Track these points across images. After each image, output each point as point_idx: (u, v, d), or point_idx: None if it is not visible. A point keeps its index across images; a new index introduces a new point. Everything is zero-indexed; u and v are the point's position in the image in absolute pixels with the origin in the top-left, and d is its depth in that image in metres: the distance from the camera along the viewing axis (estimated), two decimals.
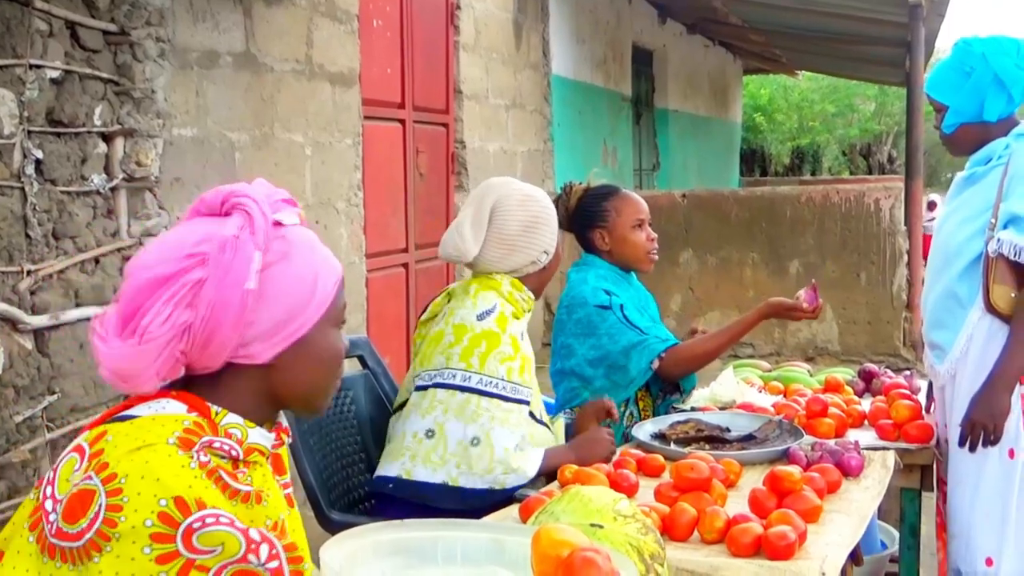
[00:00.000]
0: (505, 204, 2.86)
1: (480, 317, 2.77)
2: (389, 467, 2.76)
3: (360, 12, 5.53)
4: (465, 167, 7.07)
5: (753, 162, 24.41)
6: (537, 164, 8.55)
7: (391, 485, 2.75)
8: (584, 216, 3.47)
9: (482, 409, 2.69)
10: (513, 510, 2.42)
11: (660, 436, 2.95)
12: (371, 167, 5.75)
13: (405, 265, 6.29)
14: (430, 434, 2.72)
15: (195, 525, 1.35)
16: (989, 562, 2.98)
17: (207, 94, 4.28)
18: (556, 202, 3.49)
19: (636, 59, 11.49)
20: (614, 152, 10.52)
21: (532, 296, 2.93)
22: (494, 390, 2.71)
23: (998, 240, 2.93)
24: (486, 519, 2.37)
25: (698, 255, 8.42)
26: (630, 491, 2.46)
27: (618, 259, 3.46)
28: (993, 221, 2.98)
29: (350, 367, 3.39)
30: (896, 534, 3.52)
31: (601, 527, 1.83)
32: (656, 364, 3.28)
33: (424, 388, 2.77)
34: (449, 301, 2.88)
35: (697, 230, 8.36)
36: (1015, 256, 2.90)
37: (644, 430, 2.99)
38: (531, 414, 2.84)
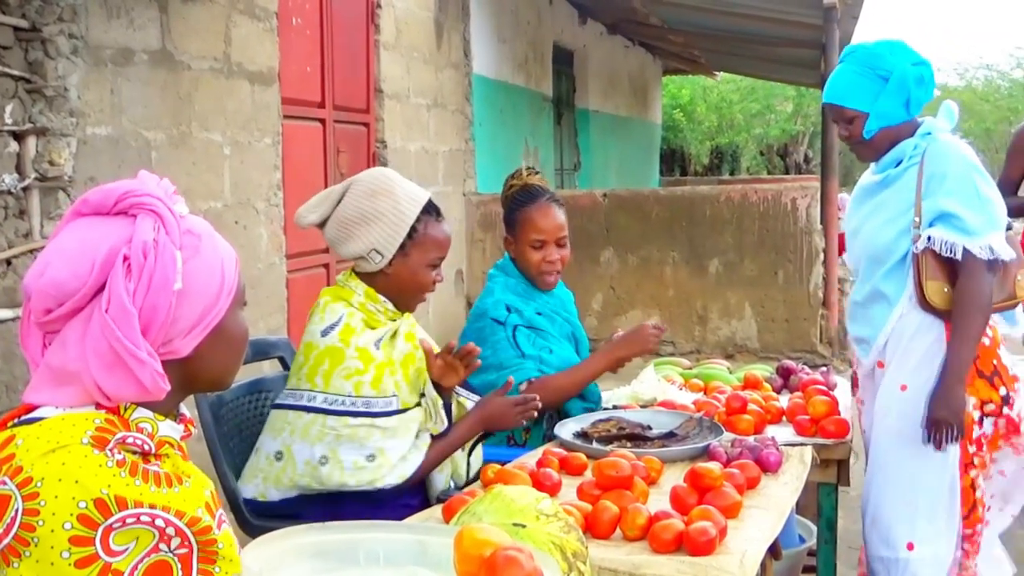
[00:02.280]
0: (356, 189, 2.76)
1: (324, 333, 2.70)
2: (246, 487, 2.75)
3: (279, 10, 5.48)
4: (386, 166, 7.02)
5: (673, 162, 24.63)
6: (459, 164, 8.54)
7: (249, 507, 2.74)
8: (505, 216, 3.46)
9: (328, 428, 2.64)
10: (436, 511, 2.41)
11: (582, 435, 2.96)
12: (291, 167, 5.70)
13: (326, 265, 6.24)
14: (279, 456, 2.70)
15: (115, 525, 1.33)
16: (910, 546, 3.06)
17: (122, 92, 4.21)
18: (504, 182, 3.48)
19: (557, 59, 11.54)
20: (535, 152, 10.55)
21: (391, 307, 2.79)
22: (340, 408, 2.64)
23: (927, 237, 3.00)
24: (408, 520, 2.37)
25: (619, 254, 8.47)
26: (552, 490, 2.47)
27: (521, 270, 3.43)
28: (917, 219, 3.05)
29: (271, 369, 3.36)
30: (814, 528, 3.57)
31: (524, 526, 1.83)
32: (524, 387, 3.26)
33: (277, 407, 2.74)
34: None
35: (618, 229, 8.42)
36: (948, 252, 2.97)
37: (566, 429, 3.00)
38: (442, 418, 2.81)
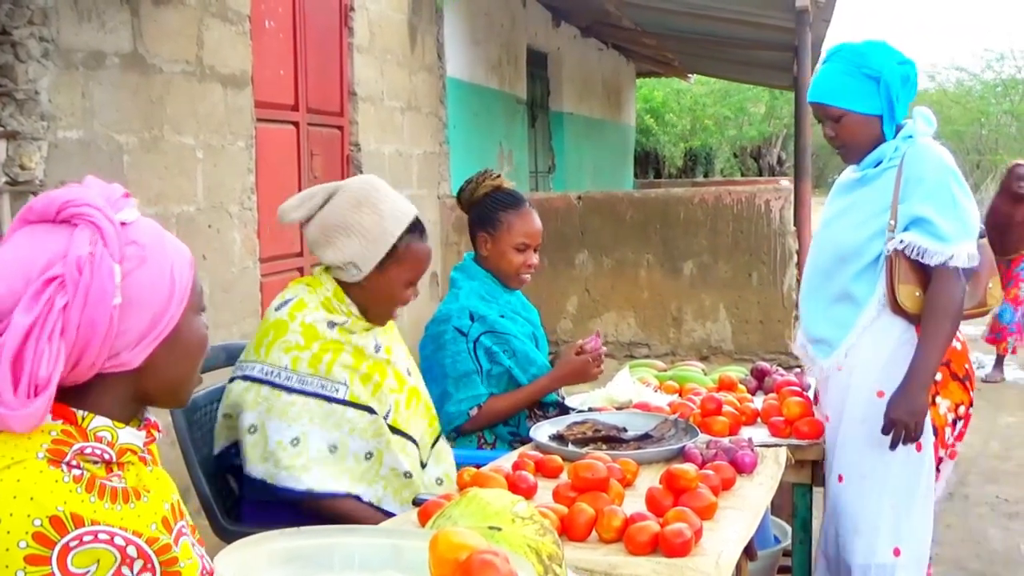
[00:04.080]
0: (343, 196, 2.73)
1: (277, 308, 2.72)
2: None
3: (252, 13, 5.46)
4: (360, 170, 7.02)
5: (647, 164, 24.72)
6: (432, 166, 8.53)
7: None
8: (479, 213, 3.47)
9: (261, 398, 2.64)
10: (412, 515, 2.41)
11: (558, 437, 2.96)
12: (264, 170, 5.68)
13: (300, 269, 6.22)
14: (227, 417, 2.73)
15: (72, 544, 1.30)
16: (897, 552, 3.06)
17: (93, 95, 4.18)
18: (466, 184, 3.48)
19: (531, 62, 11.55)
20: (510, 155, 10.55)
21: (355, 311, 2.77)
22: (274, 379, 2.64)
23: (900, 241, 3.02)
24: (384, 524, 2.36)
25: (594, 256, 8.48)
26: (528, 493, 2.46)
27: (492, 268, 3.46)
28: (892, 223, 3.06)
29: None
30: (788, 528, 3.59)
31: (499, 529, 1.83)
32: (475, 412, 3.31)
33: (231, 380, 2.76)
34: None
35: (593, 232, 8.43)
36: (919, 257, 2.99)
37: (542, 431, 3.00)
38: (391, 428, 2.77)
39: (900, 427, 2.99)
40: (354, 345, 2.75)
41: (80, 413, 1.42)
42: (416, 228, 2.78)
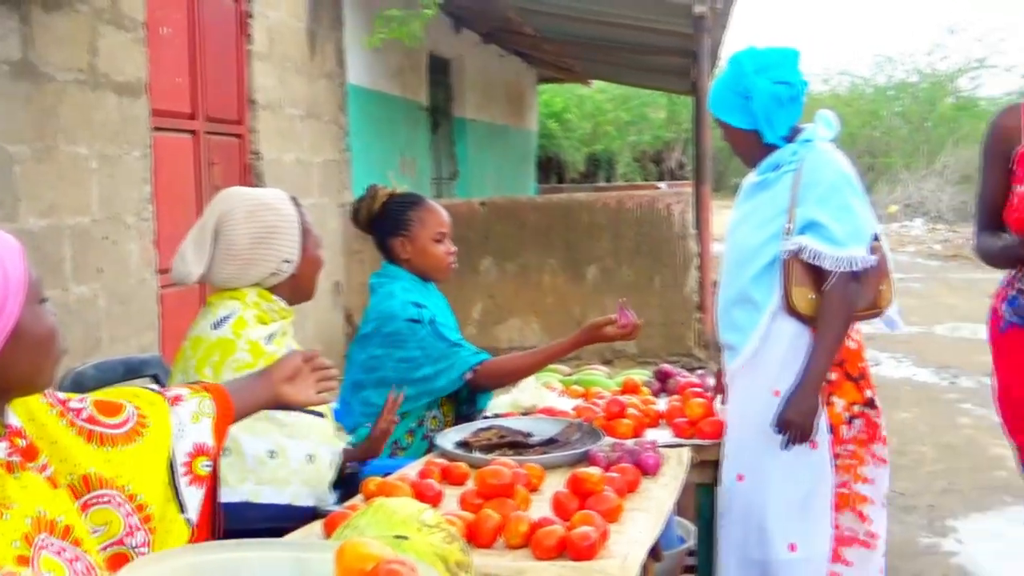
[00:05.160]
0: (231, 218, 2.74)
1: (215, 326, 2.69)
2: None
3: (147, 20, 5.37)
4: (261, 178, 6.94)
5: (550, 169, 24.84)
6: (334, 174, 8.47)
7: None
8: (387, 222, 3.47)
9: None
10: (316, 526, 2.39)
11: (464, 444, 2.97)
12: (162, 180, 5.58)
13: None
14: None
15: None
16: (792, 548, 3.10)
17: None
18: (358, 204, 3.49)
19: (433, 68, 11.53)
20: (412, 161, 10.53)
21: (286, 305, 2.84)
22: None
23: (796, 244, 3.07)
24: (289, 536, 2.33)
25: (497, 262, 8.49)
26: (434, 500, 2.46)
27: (417, 269, 3.48)
28: (789, 226, 3.11)
29: (143, 386, 3.29)
30: (693, 528, 3.64)
31: (406, 538, 1.82)
32: (470, 376, 3.30)
33: None
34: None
35: (496, 237, 8.44)
36: (813, 260, 3.05)
37: (448, 438, 3.00)
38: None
39: (792, 427, 3.05)
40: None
41: None
42: (295, 201, 2.90)
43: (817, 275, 3.08)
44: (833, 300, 3.05)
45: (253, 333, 2.68)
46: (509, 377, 3.42)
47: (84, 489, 1.66)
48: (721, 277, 3.38)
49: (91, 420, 1.75)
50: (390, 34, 7.42)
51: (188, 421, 1.96)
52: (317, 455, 2.70)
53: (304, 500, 2.66)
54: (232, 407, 2.07)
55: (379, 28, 7.51)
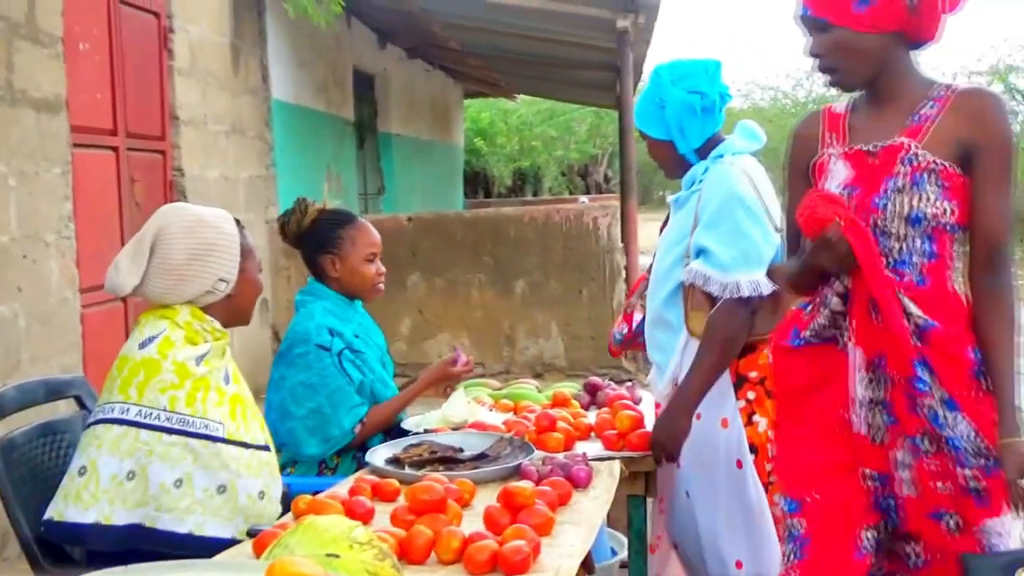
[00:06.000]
0: (169, 232, 2.70)
1: (142, 345, 2.63)
2: (66, 511, 2.57)
3: (65, 35, 5.27)
4: (184, 195, 6.85)
5: (477, 184, 24.89)
6: (260, 190, 8.40)
7: (42, 528, 2.59)
8: (316, 239, 3.44)
9: (140, 442, 2.54)
10: (246, 546, 2.35)
11: (394, 460, 2.95)
12: (83, 197, 5.48)
13: (124, 299, 6.02)
14: (82, 471, 2.56)
15: None
16: (739, 565, 3.10)
17: None
18: (287, 217, 3.45)
19: (358, 83, 11.49)
20: (339, 177, 10.47)
21: (218, 326, 2.76)
22: (154, 422, 2.55)
23: (689, 270, 3.08)
24: (218, 557, 2.30)
25: (426, 277, 8.48)
26: (365, 517, 2.44)
27: (345, 287, 3.45)
28: (688, 250, 3.12)
29: (66, 408, 3.22)
30: (624, 540, 3.65)
31: (337, 556, 1.80)
32: (359, 428, 3.29)
33: (87, 427, 2.63)
34: None
35: (424, 253, 8.43)
36: (703, 286, 3.05)
37: (378, 455, 2.98)
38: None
39: (657, 446, 3.09)
40: (216, 380, 2.67)
41: None
42: (237, 223, 2.86)
43: (714, 300, 3.07)
44: (714, 326, 3.05)
45: (180, 354, 2.62)
46: (381, 427, 3.38)
47: None
48: (647, 296, 3.40)
49: None
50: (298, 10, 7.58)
51: None
52: (233, 486, 2.60)
53: (210, 531, 2.56)
54: None
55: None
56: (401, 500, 2.59)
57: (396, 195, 13.07)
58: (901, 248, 2.36)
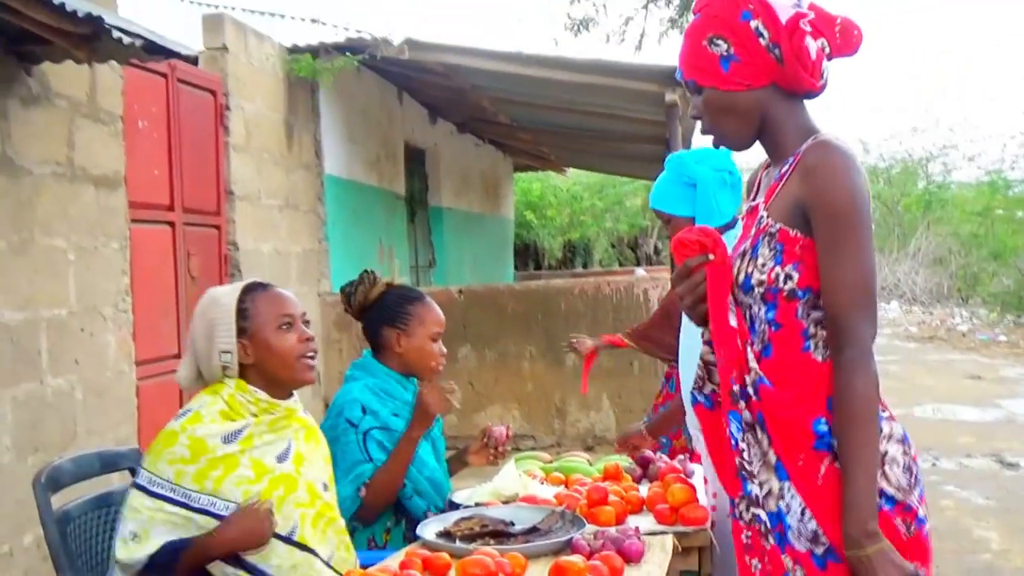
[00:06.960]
0: (192, 322, 2.79)
1: (176, 417, 2.68)
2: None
3: (124, 113, 5.40)
4: (239, 268, 6.94)
5: (527, 256, 24.94)
6: (312, 264, 8.49)
7: None
8: (383, 313, 3.46)
9: (145, 508, 2.58)
10: None
11: (445, 534, 2.93)
12: (139, 271, 5.58)
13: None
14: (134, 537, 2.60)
15: None
16: None
17: None
18: (353, 288, 3.46)
19: (409, 158, 11.63)
20: (390, 250, 10.56)
21: (264, 396, 2.75)
22: (158, 490, 2.59)
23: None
24: None
25: (476, 350, 8.49)
26: None
27: (406, 364, 3.46)
28: None
29: (120, 480, 3.24)
30: None
31: None
32: (364, 492, 3.25)
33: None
34: None
35: (475, 325, 8.45)
36: None
37: (429, 528, 2.97)
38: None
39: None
40: (253, 459, 2.67)
41: None
42: (255, 287, 2.81)
43: None
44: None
45: (201, 430, 2.63)
46: (391, 488, 3.27)
47: None
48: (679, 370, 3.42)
49: None
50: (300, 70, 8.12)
51: None
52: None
53: None
54: None
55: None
56: (452, 574, 2.57)
57: (447, 268, 13.15)
58: (748, 315, 2.14)
